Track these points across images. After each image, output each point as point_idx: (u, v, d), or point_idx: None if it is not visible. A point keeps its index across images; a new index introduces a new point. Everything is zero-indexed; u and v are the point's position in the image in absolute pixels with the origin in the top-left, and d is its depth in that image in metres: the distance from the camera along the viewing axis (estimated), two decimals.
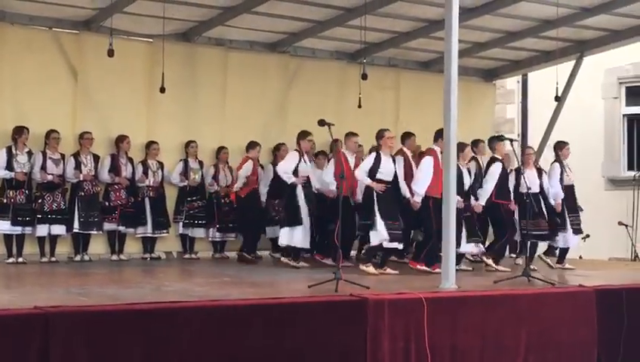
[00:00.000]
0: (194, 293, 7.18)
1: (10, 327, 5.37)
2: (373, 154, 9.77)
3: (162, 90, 10.22)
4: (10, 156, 10.39)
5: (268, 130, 12.25)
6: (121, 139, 11.15)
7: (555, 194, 10.67)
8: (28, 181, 10.48)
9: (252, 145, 11.64)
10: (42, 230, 10.54)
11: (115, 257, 11.13)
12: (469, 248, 10.09)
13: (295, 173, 10.28)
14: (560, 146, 11.03)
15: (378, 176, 9.46)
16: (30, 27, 11.08)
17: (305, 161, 10.42)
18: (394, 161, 9.75)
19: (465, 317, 7.21)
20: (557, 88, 11.98)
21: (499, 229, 10.45)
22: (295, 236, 10.12)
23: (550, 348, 7.62)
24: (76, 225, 10.74)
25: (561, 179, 10.78)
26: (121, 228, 11.16)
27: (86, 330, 5.53)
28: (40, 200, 10.48)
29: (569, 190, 10.87)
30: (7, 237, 10.46)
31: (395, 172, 9.64)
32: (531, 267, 10.15)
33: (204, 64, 12.06)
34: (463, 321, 7.19)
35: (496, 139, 10.60)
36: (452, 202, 7.94)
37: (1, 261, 10.44)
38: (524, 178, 9.98)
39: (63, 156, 10.79)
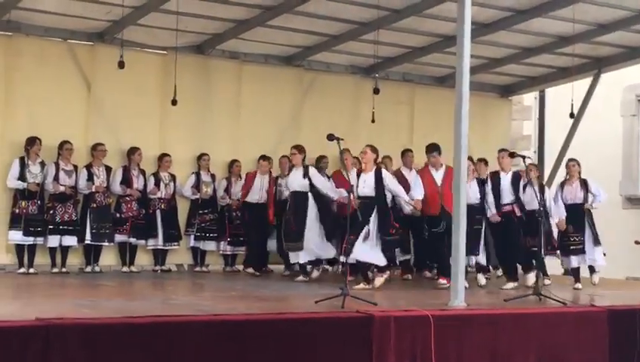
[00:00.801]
0: (199, 307, 7.13)
1: (10, 338, 5.35)
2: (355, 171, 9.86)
3: (174, 102, 10.22)
4: (23, 167, 10.42)
5: (281, 143, 12.18)
6: (132, 151, 11.15)
7: (559, 213, 10.40)
8: (40, 192, 10.49)
9: (260, 158, 11.67)
10: (54, 241, 10.55)
11: (125, 269, 11.11)
12: None
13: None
14: (566, 164, 10.86)
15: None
16: (45, 39, 11.13)
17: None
18: (378, 177, 9.59)
19: (473, 335, 7.12)
20: (572, 105, 11.87)
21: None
22: None
23: None
24: (88, 236, 10.73)
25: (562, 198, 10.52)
26: (132, 240, 11.14)
27: (86, 343, 5.50)
28: (52, 211, 10.50)
29: (568, 209, 10.41)
30: (19, 248, 10.47)
31: (377, 188, 9.52)
32: (543, 283, 10.05)
33: (218, 77, 12.07)
34: (471, 340, 7.10)
35: (502, 152, 10.45)
36: (462, 218, 7.84)
37: (13, 271, 10.45)
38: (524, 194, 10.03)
39: (75, 167, 10.81)
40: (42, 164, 10.55)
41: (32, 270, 10.40)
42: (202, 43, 11.98)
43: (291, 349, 6.28)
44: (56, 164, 10.64)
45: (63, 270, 10.64)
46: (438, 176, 10.06)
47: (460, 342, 7.02)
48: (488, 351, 7.15)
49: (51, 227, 10.48)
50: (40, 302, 7.40)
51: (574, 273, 10.56)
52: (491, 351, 7.17)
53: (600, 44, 12.18)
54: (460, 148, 7.86)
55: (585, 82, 13.32)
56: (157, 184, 11.33)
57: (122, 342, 5.61)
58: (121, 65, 9.35)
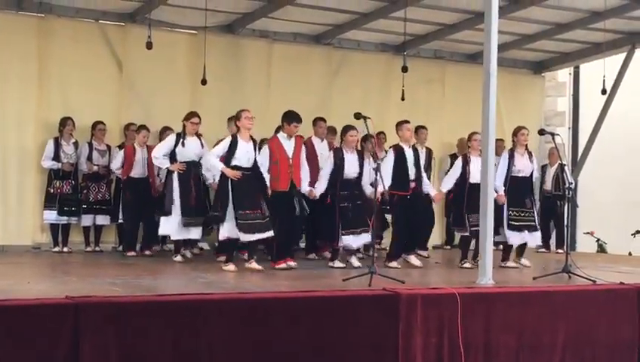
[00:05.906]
0: (226, 285, 7.22)
1: (41, 316, 5.46)
2: (228, 138, 8.91)
3: (204, 82, 10.27)
4: (57, 147, 10.59)
5: (311, 122, 12.16)
6: (163, 131, 11.22)
7: (496, 186, 9.05)
8: (74, 172, 10.68)
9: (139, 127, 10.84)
10: (87, 220, 10.75)
11: (157, 248, 11.20)
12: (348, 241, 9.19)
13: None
14: (514, 132, 9.91)
15: (233, 162, 8.73)
16: (76, 20, 11.25)
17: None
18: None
19: (500, 313, 7.13)
20: (604, 81, 11.75)
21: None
22: None
23: (589, 346, 7.50)
24: (121, 215, 10.84)
25: (509, 169, 9.69)
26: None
27: (115, 320, 5.60)
28: (85, 191, 10.68)
29: (516, 181, 9.69)
30: (54, 227, 10.67)
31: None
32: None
33: (248, 56, 12.11)
34: (499, 318, 7.10)
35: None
36: (489, 196, 7.83)
37: (48, 250, 10.66)
38: (468, 167, 9.59)
39: (108, 147, 10.97)
40: (76, 144, 10.73)
41: (66, 249, 10.61)
42: (232, 22, 12.01)
43: (318, 327, 6.34)
44: (90, 144, 10.81)
45: (97, 249, 10.83)
46: (290, 146, 9.26)
47: (487, 320, 7.03)
48: (516, 329, 7.15)
49: (85, 206, 10.68)
50: (70, 280, 7.52)
51: (507, 249, 9.82)
52: (519, 328, 7.17)
53: (633, 18, 11.99)
54: (488, 125, 7.85)
55: (620, 58, 13.14)
56: None
57: (151, 319, 5.71)
58: (149, 45, 9.40)
